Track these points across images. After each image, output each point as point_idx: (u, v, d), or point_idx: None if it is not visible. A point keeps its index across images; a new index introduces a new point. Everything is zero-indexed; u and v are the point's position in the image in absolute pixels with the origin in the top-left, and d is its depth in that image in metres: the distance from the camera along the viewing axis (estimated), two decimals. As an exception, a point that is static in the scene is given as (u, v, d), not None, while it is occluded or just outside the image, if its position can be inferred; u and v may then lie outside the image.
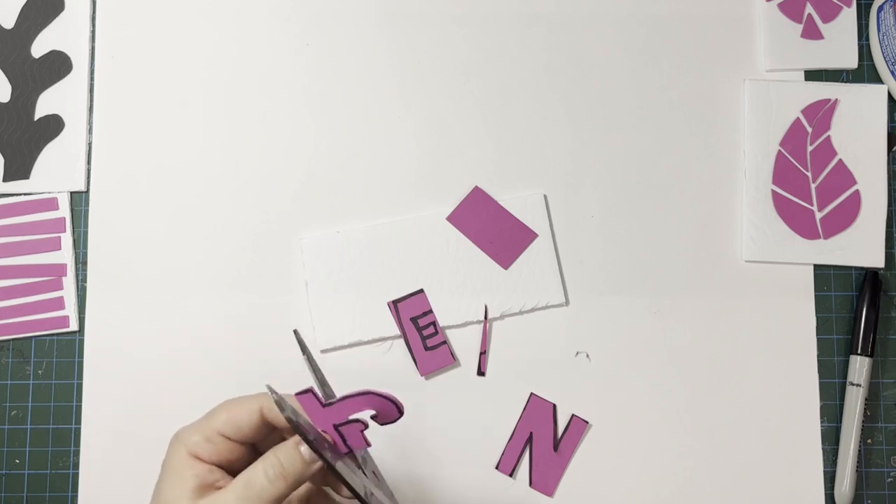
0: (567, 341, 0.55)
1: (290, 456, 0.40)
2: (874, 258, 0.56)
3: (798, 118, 0.57)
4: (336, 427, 0.40)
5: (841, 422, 0.55)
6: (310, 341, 0.54)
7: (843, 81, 0.58)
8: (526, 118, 0.57)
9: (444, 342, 0.54)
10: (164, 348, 0.54)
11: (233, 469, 0.42)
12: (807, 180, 0.57)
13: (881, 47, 0.57)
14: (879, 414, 0.55)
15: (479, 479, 0.54)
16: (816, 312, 0.56)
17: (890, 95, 0.57)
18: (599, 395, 0.55)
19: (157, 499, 0.42)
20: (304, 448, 0.40)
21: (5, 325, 0.55)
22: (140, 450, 0.53)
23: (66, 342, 0.55)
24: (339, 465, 0.39)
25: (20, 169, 0.56)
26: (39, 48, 0.57)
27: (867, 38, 0.58)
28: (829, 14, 0.58)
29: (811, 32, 0.58)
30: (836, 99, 0.57)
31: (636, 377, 0.55)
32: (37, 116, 0.56)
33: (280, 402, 0.37)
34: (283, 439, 0.43)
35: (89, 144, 0.56)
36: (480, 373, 0.55)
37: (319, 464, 0.40)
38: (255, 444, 0.44)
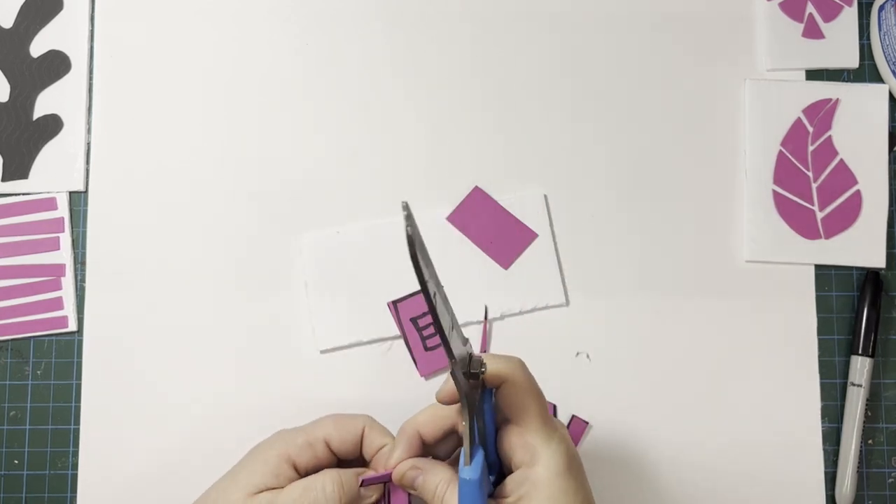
0: (567, 341, 0.55)
1: (350, 481, 0.44)
2: (875, 258, 0.56)
3: (799, 118, 0.57)
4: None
5: (842, 422, 0.55)
6: (309, 342, 0.54)
7: (844, 81, 0.58)
8: (526, 118, 0.57)
9: (444, 342, 0.54)
10: (163, 348, 0.54)
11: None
12: (808, 180, 0.57)
13: (882, 46, 0.57)
14: (880, 414, 0.55)
15: (479, 480, 0.54)
16: (817, 312, 0.56)
17: (891, 95, 0.57)
18: (599, 395, 0.55)
19: (229, 476, 0.45)
20: (364, 477, 0.44)
21: (4, 325, 0.54)
22: (139, 450, 0.53)
23: (65, 342, 0.55)
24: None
25: (19, 169, 0.56)
26: (38, 47, 0.57)
27: (868, 38, 0.58)
28: (830, 13, 0.58)
29: (812, 32, 0.58)
30: (837, 98, 0.57)
31: (636, 377, 0.55)
32: (35, 116, 0.56)
33: (409, 215, 0.34)
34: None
35: (88, 144, 0.56)
36: (480, 373, 0.55)
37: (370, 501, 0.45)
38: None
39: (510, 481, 0.40)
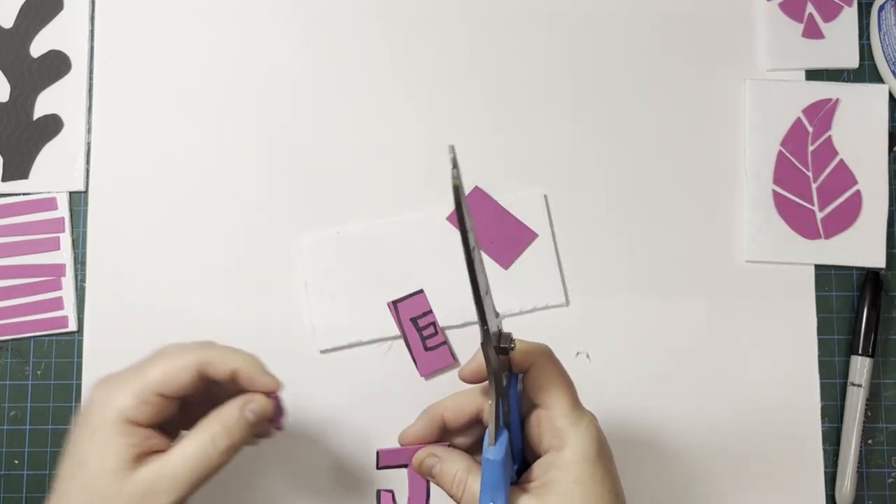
0: (567, 341, 0.55)
1: (237, 422, 0.40)
2: (875, 258, 0.56)
3: (799, 118, 0.57)
4: None
5: (842, 422, 0.55)
6: (309, 342, 0.54)
7: (844, 81, 0.58)
8: (526, 118, 0.57)
9: (444, 342, 0.54)
10: (164, 348, 0.54)
11: (164, 425, 0.41)
12: (808, 180, 0.57)
13: (882, 47, 0.57)
14: (880, 414, 0.55)
15: (479, 480, 0.54)
16: (817, 312, 0.56)
17: (891, 95, 0.57)
18: (599, 395, 0.54)
19: (80, 471, 0.39)
20: (248, 411, 0.40)
21: (4, 325, 0.54)
22: (139, 450, 0.53)
23: (65, 342, 0.55)
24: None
25: (19, 169, 0.56)
26: (38, 48, 0.57)
27: (868, 38, 0.58)
28: (830, 13, 0.58)
29: (812, 32, 0.58)
30: (837, 98, 0.57)
31: (636, 377, 0.55)
32: (36, 116, 0.56)
33: (455, 161, 0.33)
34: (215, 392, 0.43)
35: (88, 144, 0.56)
36: (480, 373, 0.54)
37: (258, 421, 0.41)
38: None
39: (537, 466, 0.39)
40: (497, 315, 0.38)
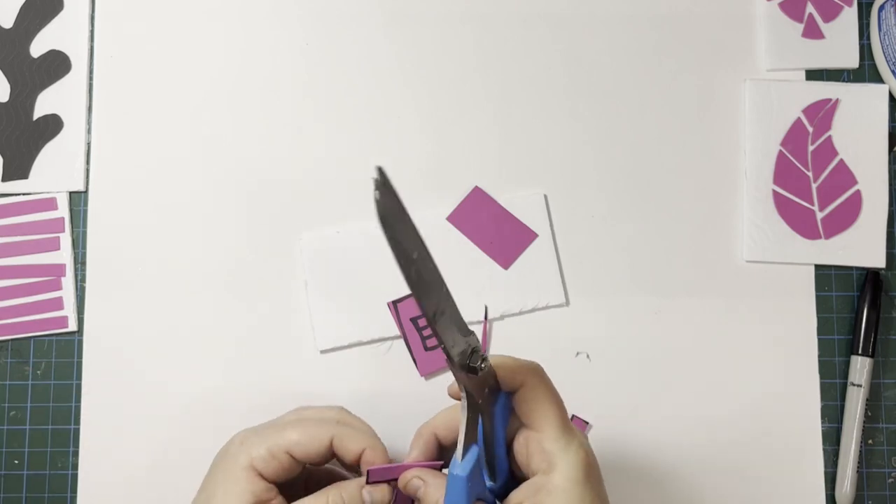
0: (567, 341, 0.55)
1: (353, 497, 0.42)
2: (875, 258, 0.56)
3: (799, 118, 0.57)
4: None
5: (842, 422, 0.55)
6: (309, 342, 0.54)
7: (844, 81, 0.58)
8: (526, 118, 0.57)
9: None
10: (163, 348, 0.54)
11: (280, 486, 0.43)
12: (808, 180, 0.57)
13: (882, 47, 0.57)
14: (880, 414, 0.55)
15: (479, 480, 0.54)
16: (817, 313, 0.56)
17: (891, 95, 0.57)
18: (599, 395, 0.55)
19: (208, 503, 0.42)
20: (366, 492, 0.42)
21: (4, 325, 0.54)
22: (139, 450, 0.53)
23: (65, 342, 0.55)
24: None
25: (19, 169, 0.56)
26: (38, 48, 0.57)
27: (868, 38, 0.58)
28: (830, 13, 0.58)
29: (812, 32, 0.58)
30: (837, 99, 0.57)
31: (636, 377, 0.55)
32: (36, 116, 0.56)
33: (384, 181, 0.33)
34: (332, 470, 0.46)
35: (88, 144, 0.56)
36: (480, 373, 0.54)
37: None
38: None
39: (525, 487, 0.39)
40: (468, 333, 0.37)
